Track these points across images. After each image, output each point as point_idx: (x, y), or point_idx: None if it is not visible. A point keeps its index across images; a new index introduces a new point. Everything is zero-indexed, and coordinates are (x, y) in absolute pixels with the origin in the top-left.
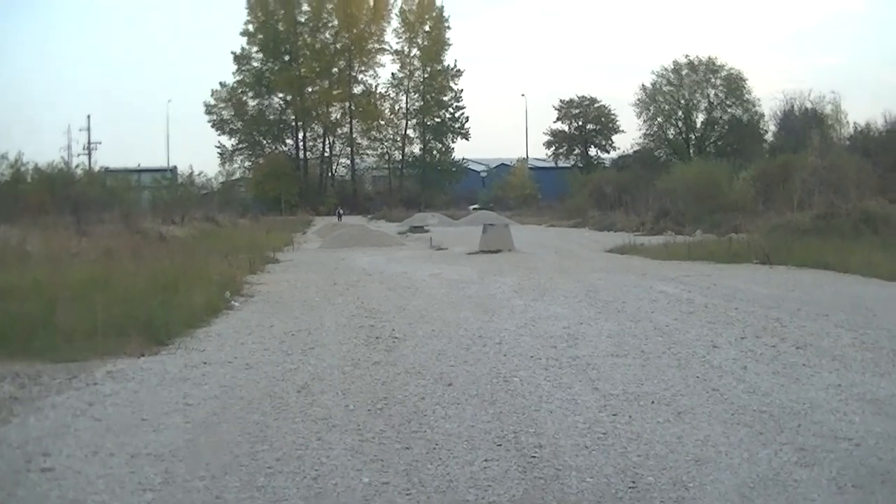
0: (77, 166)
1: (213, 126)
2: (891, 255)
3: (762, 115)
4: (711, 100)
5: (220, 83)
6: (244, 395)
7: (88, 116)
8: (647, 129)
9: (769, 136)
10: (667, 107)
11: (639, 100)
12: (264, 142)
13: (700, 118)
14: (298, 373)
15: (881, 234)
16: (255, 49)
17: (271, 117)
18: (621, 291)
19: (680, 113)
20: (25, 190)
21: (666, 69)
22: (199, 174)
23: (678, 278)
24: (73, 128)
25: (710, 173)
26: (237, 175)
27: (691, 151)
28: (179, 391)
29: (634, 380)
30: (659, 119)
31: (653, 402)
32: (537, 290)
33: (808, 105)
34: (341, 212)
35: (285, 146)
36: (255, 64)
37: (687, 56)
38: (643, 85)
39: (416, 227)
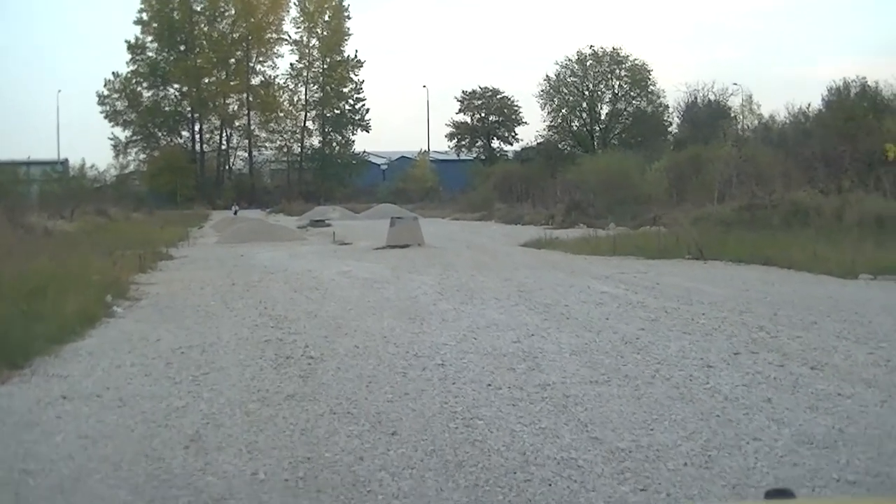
0: None
1: (106, 117)
2: (832, 249)
3: (666, 107)
4: (616, 91)
5: (114, 73)
6: (110, 453)
7: None
8: (551, 121)
9: (673, 129)
10: (571, 98)
11: (543, 91)
12: (160, 134)
13: (605, 110)
14: (188, 413)
15: (813, 226)
16: (149, 38)
17: (167, 109)
18: (557, 292)
19: (584, 104)
20: None
21: (570, 60)
22: (90, 167)
23: (613, 276)
24: None
25: (622, 164)
26: (131, 168)
27: (596, 143)
28: (18, 448)
29: (637, 422)
30: (563, 110)
31: (686, 464)
32: (463, 290)
33: (712, 97)
34: (237, 206)
35: (181, 138)
36: (149, 54)
37: (591, 47)
38: (547, 76)
39: (317, 221)
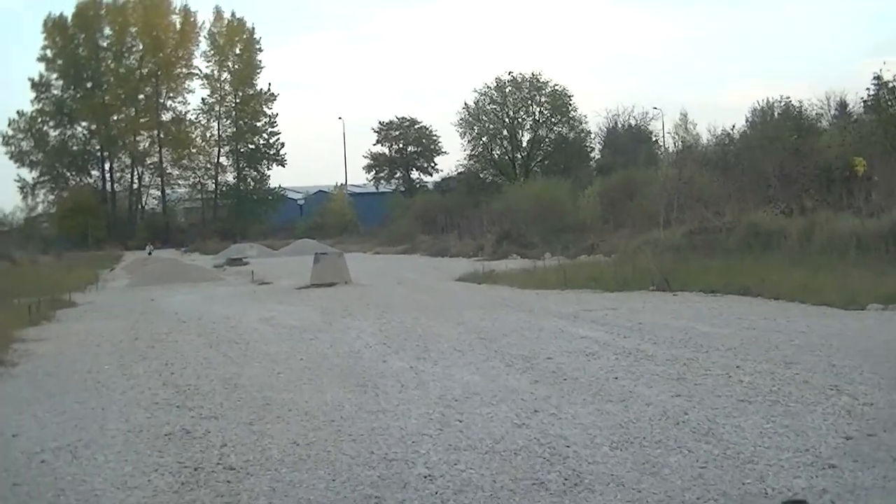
0: None
1: (11, 158)
2: (815, 275)
3: (588, 133)
4: (537, 117)
5: (18, 112)
6: None
7: None
8: (471, 150)
9: (596, 155)
10: (491, 126)
11: (462, 119)
12: (68, 174)
13: (526, 137)
14: None
15: (779, 250)
16: (54, 76)
17: (75, 148)
18: (528, 338)
19: (505, 132)
20: None
21: (489, 87)
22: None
23: (581, 315)
24: None
25: (553, 191)
26: (40, 210)
27: (518, 171)
28: None
29: None
30: (484, 139)
31: None
32: (412, 339)
33: (632, 122)
34: (152, 246)
35: (91, 178)
36: (55, 91)
37: (510, 73)
38: (466, 104)
39: (234, 260)
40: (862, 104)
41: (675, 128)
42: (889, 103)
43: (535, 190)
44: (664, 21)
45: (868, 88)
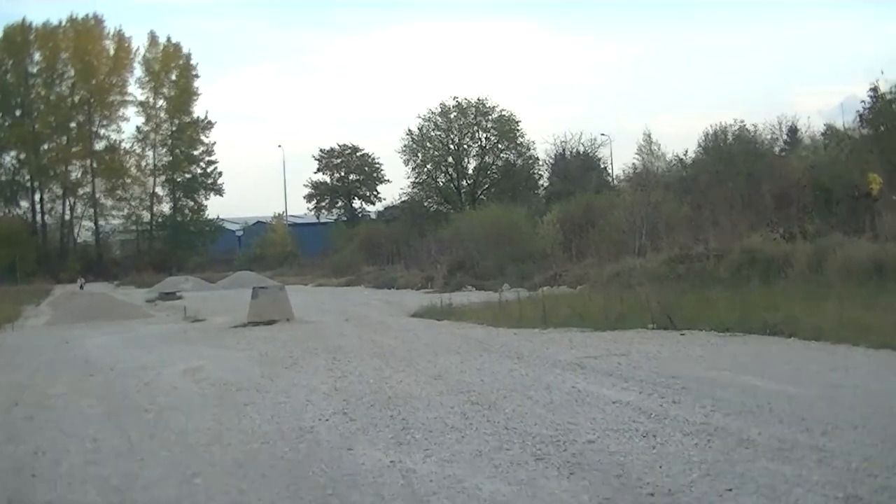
0: None
1: None
2: (858, 310)
3: (536, 160)
4: (483, 144)
5: None
6: None
7: None
8: (415, 177)
9: (544, 182)
10: (436, 153)
11: (405, 146)
12: None
13: (472, 164)
14: None
15: (785, 279)
16: None
17: (3, 178)
18: (539, 404)
19: (450, 158)
20: None
21: (433, 112)
22: None
23: (587, 364)
24: None
25: (509, 218)
26: None
27: (464, 199)
28: None
29: None
30: (428, 166)
31: None
32: (381, 406)
33: (581, 149)
34: (83, 279)
35: (20, 209)
36: None
37: (455, 98)
38: (409, 130)
39: (167, 294)
40: (858, 118)
41: (638, 149)
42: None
43: (491, 216)
44: (601, 49)
45: (863, 101)
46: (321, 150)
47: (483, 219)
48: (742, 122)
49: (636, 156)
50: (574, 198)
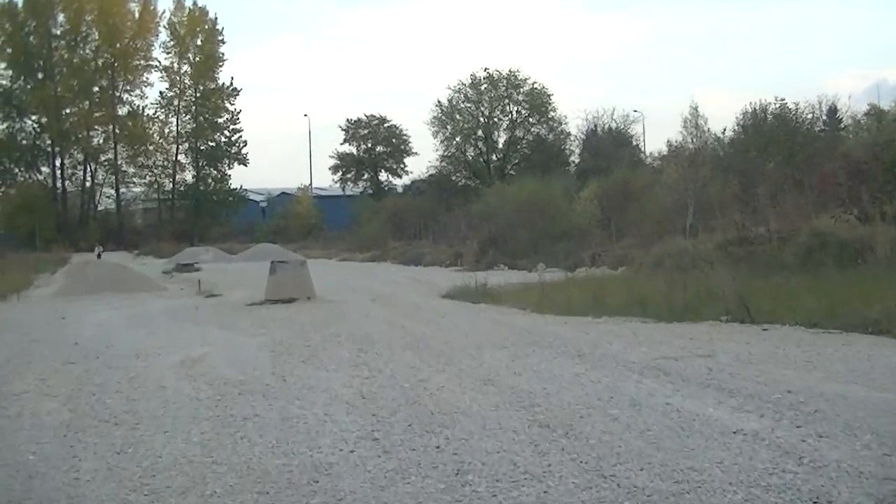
0: None
1: None
2: None
3: (568, 135)
4: (514, 117)
5: None
6: None
7: None
8: (444, 151)
9: (575, 158)
10: (465, 125)
11: (434, 118)
12: (16, 170)
13: (502, 138)
14: None
15: (865, 265)
16: (2, 65)
17: (24, 142)
18: (631, 430)
19: (480, 132)
20: None
21: (463, 84)
22: None
23: (670, 370)
24: None
25: (545, 193)
26: None
27: (493, 174)
28: None
29: None
30: (457, 139)
31: None
32: (423, 425)
33: (613, 125)
34: (101, 248)
35: (41, 175)
36: (3, 82)
37: (486, 69)
38: (439, 101)
39: (185, 265)
40: None
41: (684, 123)
42: None
43: (525, 191)
44: (632, 25)
45: None
46: (348, 121)
47: (517, 193)
48: (783, 100)
49: (681, 130)
50: (610, 174)
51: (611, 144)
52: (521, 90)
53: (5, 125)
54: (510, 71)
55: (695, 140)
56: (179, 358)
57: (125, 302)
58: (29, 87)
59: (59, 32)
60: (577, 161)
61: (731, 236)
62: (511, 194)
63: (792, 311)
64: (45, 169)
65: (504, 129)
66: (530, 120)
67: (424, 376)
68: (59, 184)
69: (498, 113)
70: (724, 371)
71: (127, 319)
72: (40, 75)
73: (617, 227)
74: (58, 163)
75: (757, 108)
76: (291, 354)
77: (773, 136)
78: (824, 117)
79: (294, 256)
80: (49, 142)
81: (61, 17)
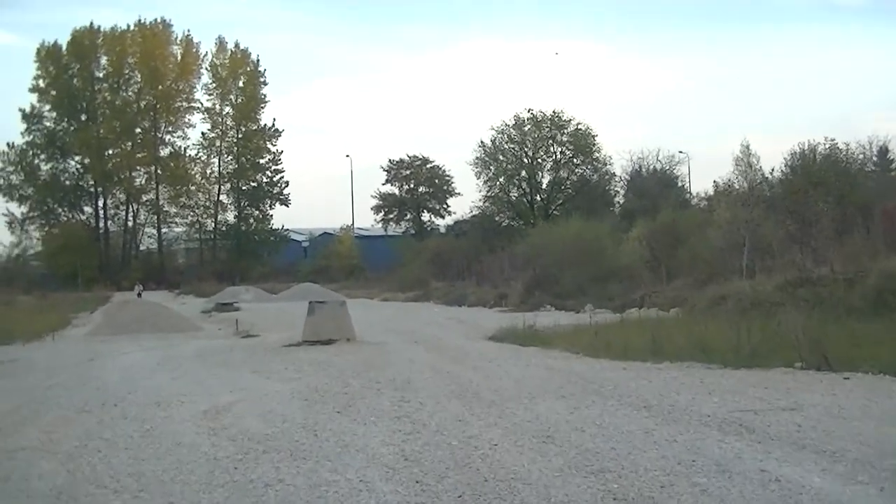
0: None
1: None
2: None
3: (613, 175)
4: (558, 158)
5: (8, 144)
6: None
7: None
8: (487, 191)
9: (619, 199)
10: (509, 166)
11: (477, 158)
12: (60, 210)
13: (546, 178)
14: None
15: None
16: (47, 107)
17: (67, 183)
18: (721, 502)
19: (523, 172)
20: None
21: (507, 124)
22: None
23: (748, 423)
24: None
25: (592, 233)
26: (23, 246)
27: (536, 215)
28: None
29: None
30: (501, 179)
31: None
32: (481, 493)
33: (657, 166)
34: (141, 287)
35: (83, 215)
36: (47, 123)
37: (530, 110)
38: (482, 142)
39: (224, 304)
40: None
41: (735, 162)
42: None
43: (572, 231)
44: (672, 68)
45: None
46: (390, 161)
47: (563, 233)
48: (833, 140)
49: (732, 170)
50: (658, 214)
51: (656, 185)
52: (565, 131)
53: (49, 166)
54: (554, 112)
55: (746, 179)
56: (204, 407)
57: (159, 342)
58: (72, 128)
59: (102, 75)
60: (621, 202)
61: (792, 277)
62: (557, 234)
63: (872, 358)
64: (87, 209)
65: (548, 170)
66: (574, 160)
67: (474, 431)
68: (101, 224)
69: (542, 153)
70: (817, 428)
71: (157, 361)
72: (83, 117)
73: (666, 268)
74: (100, 203)
75: (806, 148)
76: (326, 403)
77: (822, 176)
78: (875, 157)
79: (335, 296)
80: (92, 182)
81: (104, 60)
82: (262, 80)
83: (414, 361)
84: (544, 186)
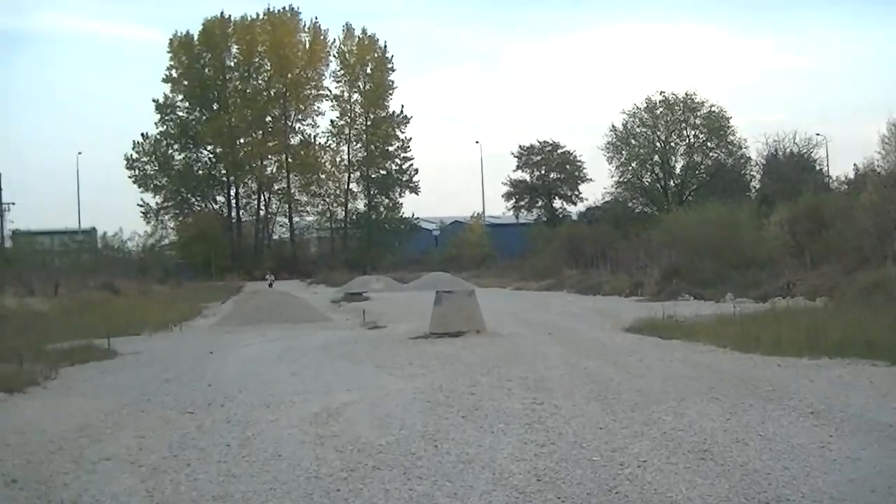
0: None
1: (135, 182)
2: None
3: (749, 159)
4: (691, 142)
5: (143, 134)
6: None
7: None
8: (619, 177)
9: (755, 184)
10: (641, 150)
11: (609, 143)
12: (193, 199)
13: (679, 163)
14: None
15: None
16: (179, 97)
17: (200, 172)
18: None
19: (656, 157)
20: None
21: (638, 108)
22: (113, 236)
23: None
24: None
25: (731, 219)
26: (157, 236)
27: (670, 200)
28: None
29: None
30: (633, 164)
31: None
32: None
33: (795, 149)
34: (272, 277)
35: (216, 204)
36: (180, 113)
37: (662, 93)
38: (613, 126)
39: (353, 294)
40: None
41: (881, 142)
42: None
43: (710, 216)
44: (803, 50)
45: None
46: (520, 147)
47: (700, 219)
48: None
49: (878, 151)
50: (799, 198)
51: (793, 169)
52: (699, 113)
53: (182, 156)
54: (686, 94)
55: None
56: (316, 408)
57: (285, 333)
58: (204, 118)
59: (232, 64)
60: (757, 186)
61: None
62: (694, 220)
63: None
64: (220, 198)
65: (681, 154)
66: (708, 144)
67: (618, 443)
68: (233, 213)
69: (675, 137)
70: None
71: (278, 354)
72: (215, 106)
73: (810, 254)
74: (232, 192)
75: None
76: (450, 406)
77: None
78: None
79: (465, 285)
80: (224, 171)
81: (234, 49)
82: (389, 66)
83: (547, 356)
84: (678, 171)
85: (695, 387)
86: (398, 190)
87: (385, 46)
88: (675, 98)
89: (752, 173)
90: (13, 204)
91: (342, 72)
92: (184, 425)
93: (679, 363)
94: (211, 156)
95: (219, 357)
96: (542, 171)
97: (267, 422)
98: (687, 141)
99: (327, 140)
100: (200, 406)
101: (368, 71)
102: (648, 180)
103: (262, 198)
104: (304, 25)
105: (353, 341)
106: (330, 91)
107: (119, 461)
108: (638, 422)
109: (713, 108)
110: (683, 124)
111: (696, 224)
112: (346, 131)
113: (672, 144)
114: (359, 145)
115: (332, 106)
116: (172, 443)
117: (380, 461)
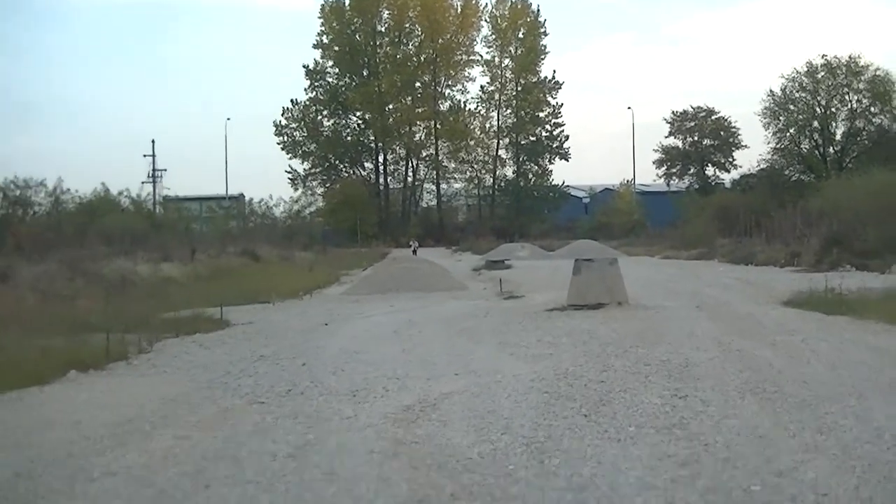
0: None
1: (283, 148)
2: None
3: None
4: (854, 107)
5: (292, 101)
6: None
7: (153, 141)
8: (776, 143)
9: None
10: (800, 116)
11: (766, 108)
12: (341, 166)
13: (840, 129)
14: None
15: None
16: (329, 63)
17: (348, 138)
18: None
19: (815, 123)
20: (61, 221)
21: (798, 72)
22: (259, 202)
23: None
24: (138, 154)
25: None
26: (303, 202)
27: (829, 168)
28: None
29: None
30: (791, 131)
31: None
32: None
33: None
34: (417, 244)
35: (364, 170)
36: (329, 79)
37: (824, 56)
38: (771, 91)
39: (495, 262)
40: None
41: None
42: None
43: (875, 184)
44: None
45: None
46: (673, 113)
47: (865, 187)
48: None
49: None
50: None
51: None
52: (862, 78)
53: (331, 122)
54: (850, 57)
55: None
56: (409, 399)
57: (413, 303)
58: (354, 84)
59: (383, 29)
60: None
61: None
62: (858, 187)
63: None
64: (368, 165)
65: (842, 120)
66: (872, 110)
67: (785, 462)
68: (381, 180)
69: (836, 103)
70: None
71: (396, 328)
72: (365, 72)
73: None
74: (380, 159)
75: None
76: (572, 399)
77: None
78: None
79: (610, 252)
80: (372, 138)
81: (385, 14)
82: (542, 31)
83: (695, 334)
84: (838, 138)
85: (875, 378)
86: (548, 157)
87: (538, 11)
88: (837, 62)
89: None
90: (165, 170)
91: (493, 36)
92: (241, 421)
93: (850, 346)
94: (360, 122)
95: (330, 330)
96: (696, 138)
97: (341, 419)
98: (849, 106)
99: (477, 106)
100: (277, 393)
101: (520, 36)
102: (807, 147)
103: (410, 164)
104: None
105: (483, 314)
106: (481, 56)
107: (126, 477)
108: (808, 428)
109: (878, 72)
110: (845, 89)
111: (859, 192)
112: (496, 97)
113: (833, 110)
114: (508, 111)
115: (483, 71)
116: (214, 448)
117: (461, 487)
